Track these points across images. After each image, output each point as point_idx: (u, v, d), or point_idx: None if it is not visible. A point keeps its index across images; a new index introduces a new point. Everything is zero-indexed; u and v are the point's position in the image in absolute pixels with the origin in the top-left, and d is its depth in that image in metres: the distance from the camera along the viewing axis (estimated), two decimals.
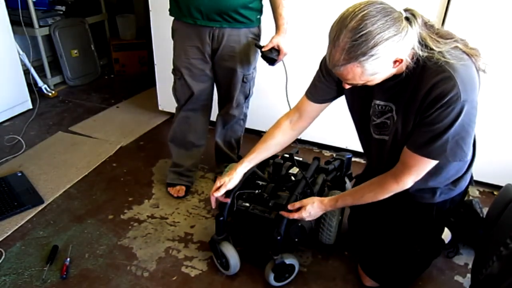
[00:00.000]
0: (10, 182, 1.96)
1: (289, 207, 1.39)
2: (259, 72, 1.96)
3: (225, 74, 1.76)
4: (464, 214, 1.69)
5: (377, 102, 1.23)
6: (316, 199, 1.37)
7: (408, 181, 1.19)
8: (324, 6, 1.98)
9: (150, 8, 2.37)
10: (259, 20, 1.71)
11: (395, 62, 1.00)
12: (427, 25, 1.05)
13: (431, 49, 1.02)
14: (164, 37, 1.78)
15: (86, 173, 2.12)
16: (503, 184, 1.57)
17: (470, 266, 1.62)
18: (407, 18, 0.98)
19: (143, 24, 3.43)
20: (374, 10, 0.93)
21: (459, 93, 1.00)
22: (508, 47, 1.77)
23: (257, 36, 1.74)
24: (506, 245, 1.17)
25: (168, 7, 1.70)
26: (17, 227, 1.72)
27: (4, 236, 1.67)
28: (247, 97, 1.88)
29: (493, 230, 1.41)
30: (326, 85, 1.31)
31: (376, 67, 0.98)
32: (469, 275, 1.58)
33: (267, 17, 1.71)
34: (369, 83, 1.06)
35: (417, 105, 1.09)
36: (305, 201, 1.38)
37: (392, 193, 1.23)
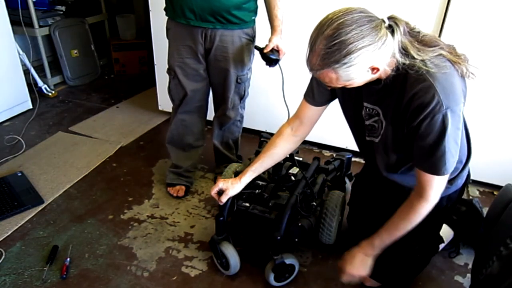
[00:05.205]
0: (10, 182, 1.96)
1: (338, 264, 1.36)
2: (257, 73, 1.96)
3: (219, 75, 1.76)
4: (466, 212, 1.68)
5: (366, 104, 1.24)
6: (354, 251, 1.33)
7: (434, 196, 1.16)
8: (318, 7, 1.98)
9: (150, 8, 2.37)
10: (253, 21, 1.71)
11: (372, 69, 1.01)
12: (411, 33, 1.04)
13: (413, 57, 1.01)
14: (164, 37, 1.79)
15: (86, 173, 2.12)
16: (503, 184, 1.58)
17: (470, 266, 1.62)
18: (389, 26, 0.98)
19: (143, 24, 3.44)
20: (350, 19, 0.94)
21: (441, 102, 1.01)
22: (507, 48, 1.78)
23: (251, 37, 1.73)
24: (506, 245, 1.17)
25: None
26: (17, 227, 1.72)
27: (4, 236, 1.67)
28: (242, 98, 1.87)
29: (493, 230, 1.41)
30: (322, 87, 1.31)
31: (351, 74, 1.00)
32: (469, 275, 1.58)
33: (260, 18, 1.71)
34: (349, 86, 1.07)
35: (402, 113, 1.10)
36: (346, 259, 1.34)
37: (426, 213, 1.18)
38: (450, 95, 1.02)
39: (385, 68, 1.04)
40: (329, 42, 0.95)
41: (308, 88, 1.37)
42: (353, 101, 1.28)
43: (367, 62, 0.98)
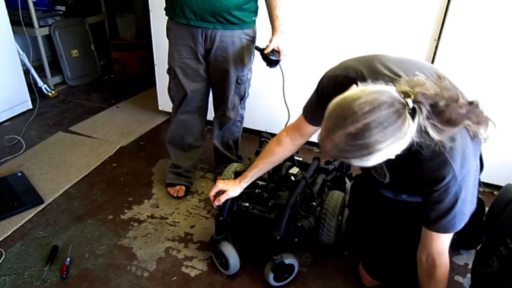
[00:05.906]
0: (10, 182, 1.96)
1: None
2: (258, 73, 1.96)
3: (218, 75, 1.76)
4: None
5: None
6: None
7: (445, 257, 1.17)
8: (318, 7, 1.98)
9: (150, 8, 2.37)
10: (253, 22, 1.71)
11: None
12: (435, 114, 0.93)
13: (432, 138, 0.94)
14: (164, 37, 1.79)
15: (86, 173, 2.12)
16: (503, 184, 1.57)
17: (470, 266, 1.62)
18: (413, 109, 0.90)
19: (143, 24, 3.43)
20: (377, 119, 0.86)
21: (456, 175, 1.01)
22: (508, 48, 1.77)
23: (252, 38, 1.73)
24: (506, 245, 1.17)
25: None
26: (17, 227, 1.72)
27: (4, 236, 1.67)
28: (242, 98, 1.87)
29: (493, 230, 1.41)
30: (323, 111, 1.27)
31: (366, 165, 0.95)
32: (469, 275, 1.58)
33: (261, 19, 1.71)
34: None
35: (413, 179, 1.10)
36: None
37: (447, 274, 1.19)
38: (464, 166, 1.02)
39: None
40: (351, 140, 0.88)
41: (307, 108, 1.31)
42: None
43: (385, 157, 0.93)
